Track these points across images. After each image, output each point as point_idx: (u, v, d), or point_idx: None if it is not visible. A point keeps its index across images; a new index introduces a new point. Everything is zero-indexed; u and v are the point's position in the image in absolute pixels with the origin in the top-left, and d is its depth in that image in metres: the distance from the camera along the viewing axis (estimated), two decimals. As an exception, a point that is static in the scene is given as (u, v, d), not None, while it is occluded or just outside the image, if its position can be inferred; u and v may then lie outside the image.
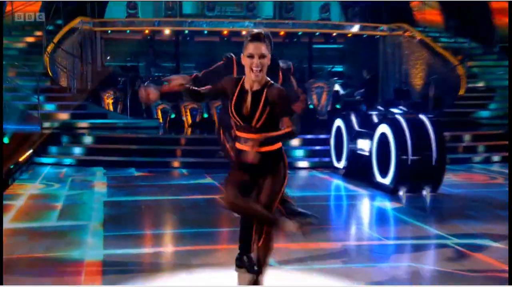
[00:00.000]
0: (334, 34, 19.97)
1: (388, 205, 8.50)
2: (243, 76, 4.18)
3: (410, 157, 9.06)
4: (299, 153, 12.51)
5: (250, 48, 4.05)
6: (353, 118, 10.93)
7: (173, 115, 15.57)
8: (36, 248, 6.09)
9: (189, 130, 15.03)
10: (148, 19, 18.97)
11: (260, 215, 4.18)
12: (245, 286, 4.68)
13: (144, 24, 18.86)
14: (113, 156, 12.19)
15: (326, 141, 11.94)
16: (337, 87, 18.74)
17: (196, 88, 4.30)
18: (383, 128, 9.53)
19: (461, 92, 16.71)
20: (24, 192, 9.31)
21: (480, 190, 9.76)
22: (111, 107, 16.58)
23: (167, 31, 19.03)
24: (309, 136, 12.81)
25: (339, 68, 22.64)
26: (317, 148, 12.49)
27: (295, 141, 12.42)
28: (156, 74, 19.97)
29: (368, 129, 10.29)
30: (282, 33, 19.26)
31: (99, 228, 6.92)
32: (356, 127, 10.79)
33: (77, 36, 16.80)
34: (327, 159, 11.85)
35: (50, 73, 15.22)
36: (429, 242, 6.53)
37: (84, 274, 5.26)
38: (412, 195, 9.03)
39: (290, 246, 5.96)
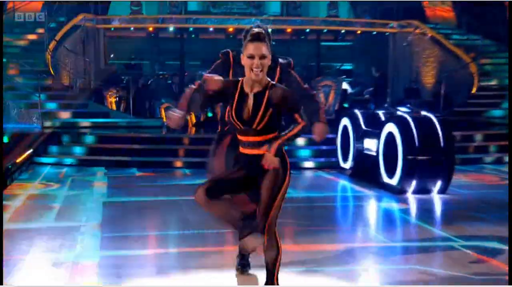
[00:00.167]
0: (343, 31, 19.77)
1: (395, 206, 8.39)
2: (241, 79, 4.02)
3: (418, 157, 8.84)
4: (305, 153, 12.29)
5: (250, 48, 3.90)
6: (360, 117, 10.69)
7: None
8: (32, 248, 6.01)
9: (193, 129, 14.85)
10: (152, 16, 18.76)
11: (228, 220, 4.08)
12: (246, 286, 4.68)
13: (148, 21, 18.64)
14: (114, 156, 12.04)
15: (332, 141, 11.63)
16: (345, 85, 18.42)
17: (192, 107, 4.25)
18: (390, 127, 9.32)
19: (473, 90, 16.44)
20: (23, 192, 9.21)
21: (490, 191, 9.59)
22: (113, 106, 16.47)
23: (171, 28, 18.84)
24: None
25: (348, 66, 22.42)
26: (324, 147, 12.22)
27: (300, 141, 12.23)
28: (161, 72, 19.82)
29: (375, 129, 10.05)
30: (289, 30, 19.08)
31: (97, 229, 6.83)
32: (363, 126, 10.55)
33: (80, 33, 16.69)
34: (333, 159, 11.63)
35: (51, 71, 15.10)
36: (436, 244, 6.41)
37: (79, 275, 5.20)
38: (420, 196, 8.86)
39: (294, 248, 5.89)
